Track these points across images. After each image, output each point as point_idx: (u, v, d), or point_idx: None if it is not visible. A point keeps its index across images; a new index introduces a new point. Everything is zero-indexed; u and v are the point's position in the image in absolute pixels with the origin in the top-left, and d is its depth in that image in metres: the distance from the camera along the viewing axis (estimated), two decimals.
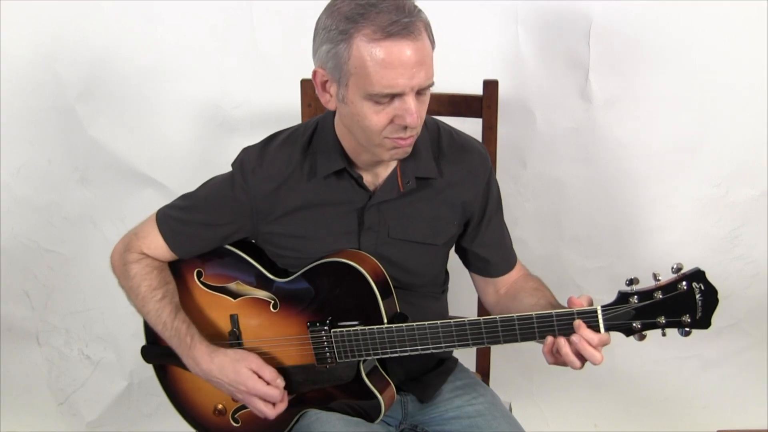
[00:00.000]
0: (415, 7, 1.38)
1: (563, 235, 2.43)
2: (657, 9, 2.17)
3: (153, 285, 1.62)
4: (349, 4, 1.37)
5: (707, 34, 2.18)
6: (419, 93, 1.41)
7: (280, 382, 1.57)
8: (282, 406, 1.59)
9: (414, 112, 1.39)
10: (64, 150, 2.39)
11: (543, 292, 1.64)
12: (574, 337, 1.40)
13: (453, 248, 1.72)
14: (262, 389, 1.56)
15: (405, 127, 1.41)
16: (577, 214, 2.40)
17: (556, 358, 1.45)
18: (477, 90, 1.92)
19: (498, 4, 2.21)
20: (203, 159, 2.37)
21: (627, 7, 2.18)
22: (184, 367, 1.65)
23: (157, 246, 1.64)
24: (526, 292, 1.65)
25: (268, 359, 1.60)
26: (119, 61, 2.30)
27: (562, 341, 1.41)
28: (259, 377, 1.56)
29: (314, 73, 1.46)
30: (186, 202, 1.64)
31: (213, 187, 1.63)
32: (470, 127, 1.87)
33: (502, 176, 2.09)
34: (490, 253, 1.69)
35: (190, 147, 2.38)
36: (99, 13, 2.27)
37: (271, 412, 1.57)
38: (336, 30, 1.37)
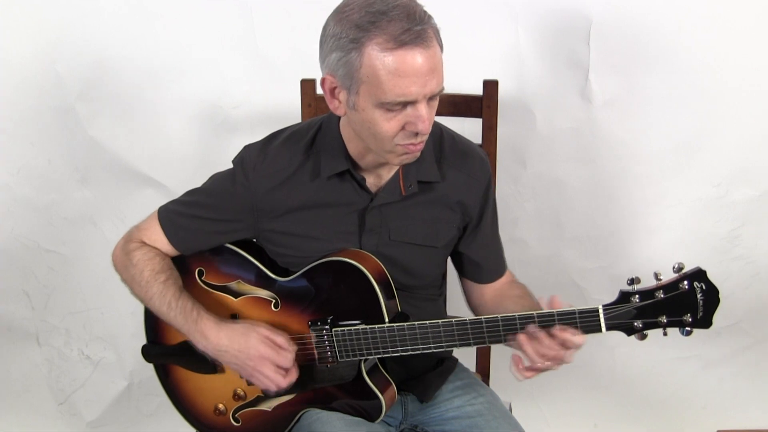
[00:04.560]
0: (426, 13, 1.38)
1: (563, 235, 2.43)
2: (657, 9, 2.17)
3: (156, 269, 1.61)
4: (359, 12, 1.36)
5: (707, 34, 2.18)
6: (430, 99, 1.41)
7: (293, 347, 1.55)
8: (293, 376, 1.56)
9: (426, 119, 1.40)
10: (64, 150, 2.39)
11: (527, 300, 1.64)
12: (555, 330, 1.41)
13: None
14: (274, 354, 1.54)
15: (416, 134, 1.42)
16: (577, 214, 2.40)
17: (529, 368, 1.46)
18: (477, 90, 1.92)
19: (498, 4, 2.21)
20: (203, 159, 2.37)
21: (627, 7, 2.18)
22: (184, 366, 1.66)
23: (158, 239, 1.64)
24: (510, 299, 1.66)
25: None
26: (119, 61, 2.30)
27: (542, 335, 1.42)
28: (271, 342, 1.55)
29: (323, 80, 1.45)
30: (188, 198, 1.65)
31: (214, 182, 1.63)
32: (470, 127, 1.87)
33: (502, 176, 2.10)
34: (483, 258, 1.70)
35: (190, 147, 2.38)
36: (99, 13, 2.26)
37: (282, 381, 1.54)
38: (347, 38, 1.36)
